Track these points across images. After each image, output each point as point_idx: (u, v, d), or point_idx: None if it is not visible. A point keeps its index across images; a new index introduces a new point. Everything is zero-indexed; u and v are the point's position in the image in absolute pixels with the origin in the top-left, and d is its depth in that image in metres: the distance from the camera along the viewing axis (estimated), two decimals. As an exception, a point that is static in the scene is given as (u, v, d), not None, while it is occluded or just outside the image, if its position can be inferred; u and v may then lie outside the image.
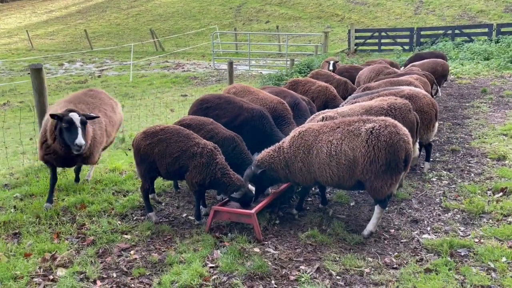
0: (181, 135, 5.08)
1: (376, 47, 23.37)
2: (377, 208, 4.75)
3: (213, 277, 3.94)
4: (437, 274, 3.90)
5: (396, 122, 4.73)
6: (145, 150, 5.03)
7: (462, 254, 4.28)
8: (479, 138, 8.26)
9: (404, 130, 4.67)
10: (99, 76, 21.37)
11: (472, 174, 6.53)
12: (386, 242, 4.66)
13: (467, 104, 11.45)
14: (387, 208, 5.39)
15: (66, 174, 6.38)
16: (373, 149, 4.49)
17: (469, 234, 4.69)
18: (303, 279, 3.89)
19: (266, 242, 4.64)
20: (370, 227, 4.75)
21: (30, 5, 53.25)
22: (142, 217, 5.27)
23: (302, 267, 4.14)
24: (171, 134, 5.08)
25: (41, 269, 4.06)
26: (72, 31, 41.02)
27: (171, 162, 4.96)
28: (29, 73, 7.56)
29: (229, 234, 4.80)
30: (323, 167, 4.75)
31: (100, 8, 48.35)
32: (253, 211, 4.74)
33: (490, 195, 5.71)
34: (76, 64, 26.17)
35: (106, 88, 18.41)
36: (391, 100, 5.65)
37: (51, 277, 3.95)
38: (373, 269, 4.10)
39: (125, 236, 4.79)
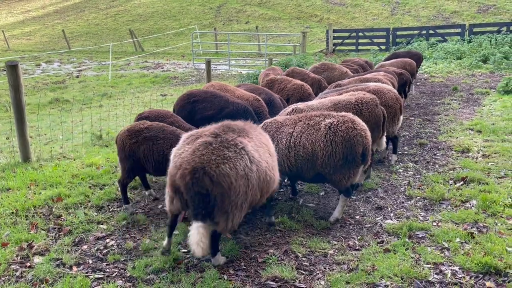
0: (166, 132, 5.19)
1: (353, 47, 23.85)
2: (341, 197, 5.02)
3: (185, 261, 4.14)
4: (395, 253, 4.18)
5: (354, 117, 4.94)
6: (131, 148, 5.07)
7: (420, 236, 4.58)
8: (447, 133, 8.64)
9: (362, 126, 4.88)
10: (77, 77, 21.24)
11: (437, 166, 6.86)
12: (351, 227, 4.93)
13: (438, 101, 11.89)
14: (354, 197, 5.68)
15: (42, 169, 6.46)
16: (331, 144, 4.74)
17: (428, 219, 5.00)
18: (270, 261, 4.13)
19: (238, 229, 4.85)
20: (336, 214, 5.02)
21: (5, 5, 52.33)
22: (118, 209, 5.41)
23: (270, 250, 4.37)
24: (157, 132, 5.18)
25: (18, 257, 4.19)
26: (50, 31, 40.54)
27: (159, 159, 4.99)
28: (5, 71, 7.60)
29: (203, 223, 4.99)
30: (281, 157, 4.98)
31: (78, 8, 47.86)
32: (225, 200, 4.94)
33: (451, 184, 6.03)
34: (53, 64, 25.91)
35: (84, 88, 18.36)
36: (359, 95, 5.91)
37: (28, 264, 4.09)
38: (336, 250, 4.36)
39: (101, 226, 4.94)
